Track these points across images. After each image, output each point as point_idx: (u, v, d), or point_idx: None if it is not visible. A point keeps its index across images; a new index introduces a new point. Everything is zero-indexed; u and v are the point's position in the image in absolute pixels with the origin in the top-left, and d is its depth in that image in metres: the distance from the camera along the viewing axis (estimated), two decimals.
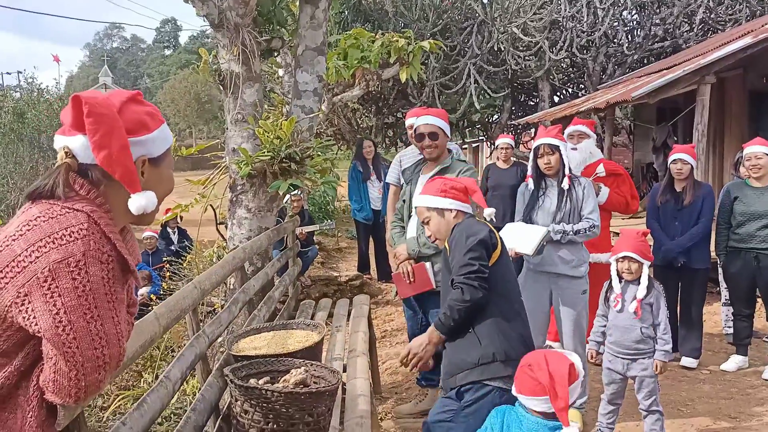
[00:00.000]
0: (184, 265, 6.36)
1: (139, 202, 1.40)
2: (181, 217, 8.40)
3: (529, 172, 4.08)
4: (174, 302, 2.14)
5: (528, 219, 4.00)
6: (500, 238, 2.69)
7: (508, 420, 2.26)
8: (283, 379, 2.18)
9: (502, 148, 7.22)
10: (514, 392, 2.27)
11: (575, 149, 4.94)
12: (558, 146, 3.90)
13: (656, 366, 3.50)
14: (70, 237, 1.27)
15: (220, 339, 3.32)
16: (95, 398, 3.38)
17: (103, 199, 1.39)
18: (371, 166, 7.78)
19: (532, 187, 4.05)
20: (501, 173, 7.13)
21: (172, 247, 8.55)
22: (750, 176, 4.77)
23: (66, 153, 1.40)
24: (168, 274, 6.69)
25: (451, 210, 2.74)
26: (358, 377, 3.26)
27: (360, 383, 3.18)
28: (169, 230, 8.94)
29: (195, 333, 2.42)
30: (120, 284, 1.36)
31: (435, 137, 3.71)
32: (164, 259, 7.76)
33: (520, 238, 3.84)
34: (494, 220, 3.58)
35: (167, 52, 79.09)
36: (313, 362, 2.34)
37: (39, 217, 1.30)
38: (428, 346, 2.58)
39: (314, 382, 2.25)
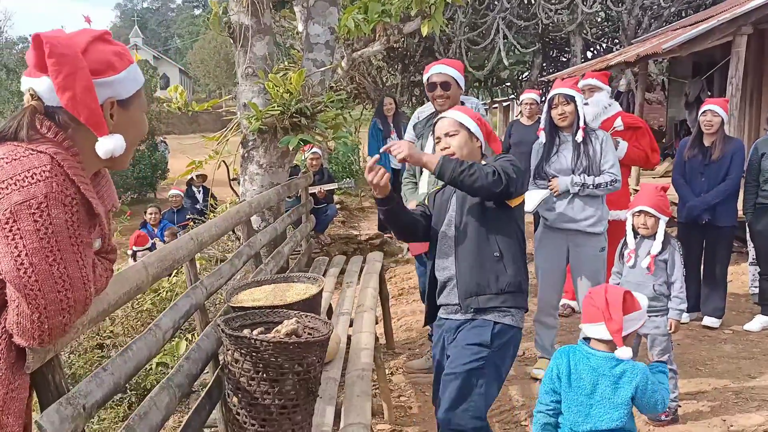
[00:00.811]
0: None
1: (106, 145, 1.37)
2: (205, 176, 8.50)
3: (542, 124, 3.97)
4: (166, 252, 2.14)
5: (541, 175, 3.90)
6: None
7: (574, 359, 2.36)
8: (275, 329, 2.18)
9: (526, 104, 7.04)
10: (581, 325, 2.40)
11: (587, 104, 4.80)
12: (573, 97, 3.78)
13: (670, 324, 3.42)
14: (32, 179, 1.26)
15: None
16: (109, 350, 3.47)
17: (71, 141, 1.37)
18: (391, 124, 7.69)
19: (544, 140, 3.94)
20: (524, 129, 6.96)
21: (198, 206, 8.67)
22: None
23: (32, 95, 1.38)
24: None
25: (478, 139, 2.65)
26: (363, 331, 3.28)
27: (365, 337, 3.19)
28: (194, 189, 9.05)
29: (192, 284, 2.43)
30: (85, 228, 1.34)
31: (447, 87, 3.59)
32: (188, 217, 7.89)
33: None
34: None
35: (197, 11, 78.83)
36: (308, 314, 2.33)
37: (2, 158, 1.29)
38: (414, 153, 2.55)
39: (308, 334, 2.25)
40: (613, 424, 2.28)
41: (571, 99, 3.79)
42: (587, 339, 2.39)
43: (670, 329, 3.43)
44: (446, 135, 2.64)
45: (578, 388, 2.32)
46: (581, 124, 3.79)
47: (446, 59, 3.86)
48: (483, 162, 2.59)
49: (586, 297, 2.39)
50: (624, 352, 2.25)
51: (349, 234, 7.74)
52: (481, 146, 2.66)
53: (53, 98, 1.35)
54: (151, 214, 8.17)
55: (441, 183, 3.57)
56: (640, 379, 2.27)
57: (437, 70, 3.63)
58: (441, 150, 2.65)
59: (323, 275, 4.52)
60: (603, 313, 2.25)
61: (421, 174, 3.80)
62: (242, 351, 2.03)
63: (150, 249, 7.07)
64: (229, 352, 2.09)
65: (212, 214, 6.61)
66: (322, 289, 2.67)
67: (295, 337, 2.10)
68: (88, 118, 1.34)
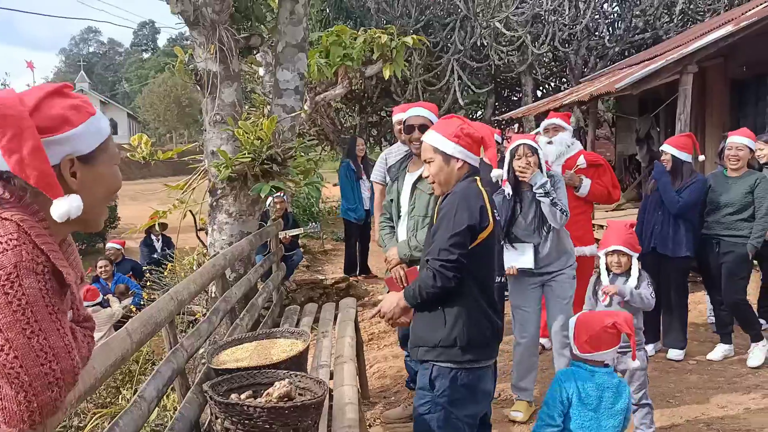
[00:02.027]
0: (165, 273, 6.20)
1: (59, 208, 1.25)
2: (165, 225, 8.21)
3: (505, 176, 3.97)
4: (148, 316, 2.01)
5: (510, 238, 3.95)
6: (494, 214, 2.51)
7: (580, 381, 2.62)
8: (266, 392, 2.06)
9: None
10: (582, 354, 2.65)
11: (551, 143, 4.90)
12: (537, 150, 3.81)
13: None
14: None
15: (201, 350, 3.20)
16: (70, 418, 3.23)
17: (38, 207, 1.27)
18: (361, 165, 7.74)
19: (510, 192, 3.94)
20: (488, 169, 7.04)
21: (155, 255, 8.36)
22: (728, 165, 4.74)
23: None
24: (148, 282, 6.53)
25: (458, 159, 2.50)
26: (345, 384, 3.15)
27: (347, 390, 3.07)
28: (153, 238, 8.74)
29: (172, 347, 2.29)
30: (59, 297, 1.24)
31: (425, 130, 3.58)
32: (145, 267, 7.59)
33: (514, 256, 3.91)
34: (500, 182, 3.44)
35: (145, 55, 78.25)
36: (298, 373, 2.23)
37: None
38: (396, 309, 2.60)
39: (299, 394, 2.14)
40: (616, 430, 2.62)
41: (534, 151, 3.82)
42: (579, 362, 2.69)
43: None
44: (425, 162, 2.60)
45: (587, 405, 2.58)
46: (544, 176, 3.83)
47: (422, 102, 3.87)
48: (464, 182, 2.51)
49: (602, 329, 2.59)
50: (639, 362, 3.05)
51: (314, 279, 7.59)
52: (464, 164, 2.53)
53: (3, 163, 1.25)
54: (101, 267, 7.77)
55: (418, 229, 3.58)
56: (626, 386, 2.72)
57: (415, 113, 3.62)
58: (425, 177, 2.65)
59: (296, 325, 4.39)
60: (628, 333, 2.59)
61: (399, 217, 3.76)
62: (233, 419, 1.91)
63: (101, 304, 6.73)
64: (219, 420, 1.96)
65: (170, 265, 6.39)
66: (309, 344, 2.56)
67: (290, 401, 1.99)
68: (38, 180, 1.23)
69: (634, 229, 3.67)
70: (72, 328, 1.31)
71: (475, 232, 2.41)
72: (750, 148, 4.69)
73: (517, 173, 3.84)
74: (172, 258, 7.12)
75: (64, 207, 1.25)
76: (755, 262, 5.09)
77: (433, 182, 2.60)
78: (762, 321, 5.37)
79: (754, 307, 5.10)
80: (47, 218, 1.27)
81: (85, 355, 1.36)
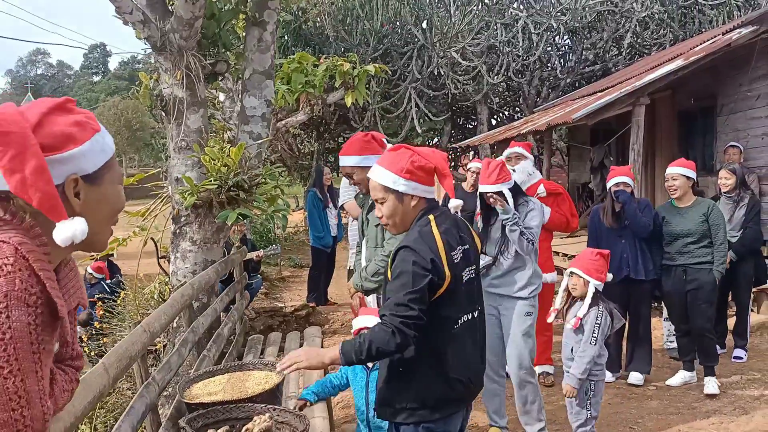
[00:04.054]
0: (118, 302, 5.99)
1: (64, 232, 1.17)
2: (111, 254, 7.94)
3: (478, 209, 4.03)
4: (123, 350, 1.94)
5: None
6: (451, 260, 2.19)
7: None
8: (245, 427, 2.00)
9: (473, 172, 7.14)
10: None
11: (513, 170, 4.99)
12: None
13: (564, 389, 3.49)
14: None
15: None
16: None
17: (40, 229, 1.18)
18: (327, 194, 7.76)
19: (481, 225, 4.01)
20: (465, 195, 7.08)
21: (102, 282, 8.06)
22: (670, 194, 4.93)
23: None
24: (100, 312, 6.30)
25: (413, 196, 2.23)
26: (316, 416, 3.09)
27: (319, 423, 3.02)
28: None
29: (144, 381, 2.21)
30: (49, 332, 1.15)
31: (351, 177, 3.63)
32: (97, 296, 7.33)
33: None
34: (458, 213, 3.46)
35: (96, 78, 76.70)
36: (277, 407, 2.17)
37: None
38: (314, 361, 2.17)
39: (278, 429, 2.09)
40: None
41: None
42: None
43: (564, 393, 3.51)
44: (376, 201, 2.32)
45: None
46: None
47: (347, 143, 3.76)
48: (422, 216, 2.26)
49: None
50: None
51: (273, 306, 7.46)
52: (420, 200, 2.26)
53: (3, 182, 1.17)
54: None
55: (372, 259, 3.58)
56: None
57: (341, 163, 3.67)
58: (378, 216, 2.34)
59: (260, 354, 4.30)
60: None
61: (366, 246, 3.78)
62: None
63: None
64: None
65: (123, 293, 6.19)
66: (285, 377, 2.51)
67: None
68: (42, 202, 1.16)
69: (604, 257, 3.72)
70: (53, 369, 1.23)
71: (434, 285, 2.14)
72: (687, 177, 4.79)
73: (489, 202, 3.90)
74: (117, 285, 6.91)
75: (69, 231, 1.17)
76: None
77: (387, 224, 2.33)
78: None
79: None
80: (48, 242, 1.19)
81: (64, 403, 1.26)
